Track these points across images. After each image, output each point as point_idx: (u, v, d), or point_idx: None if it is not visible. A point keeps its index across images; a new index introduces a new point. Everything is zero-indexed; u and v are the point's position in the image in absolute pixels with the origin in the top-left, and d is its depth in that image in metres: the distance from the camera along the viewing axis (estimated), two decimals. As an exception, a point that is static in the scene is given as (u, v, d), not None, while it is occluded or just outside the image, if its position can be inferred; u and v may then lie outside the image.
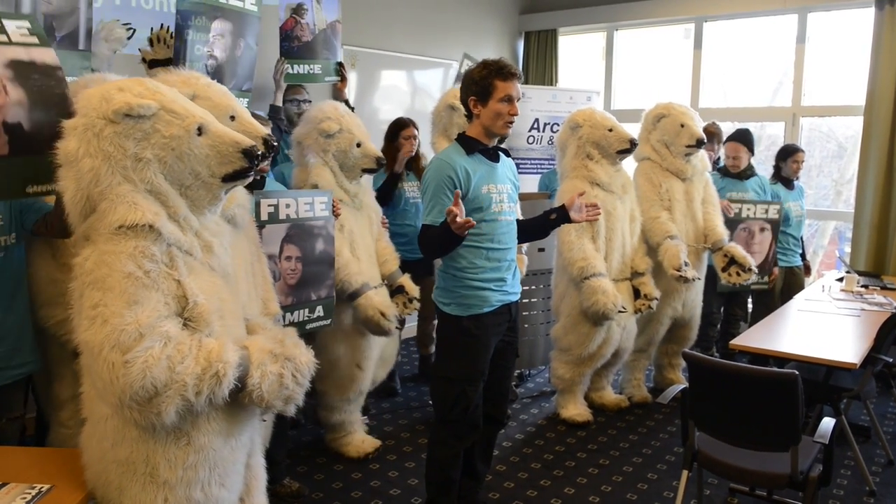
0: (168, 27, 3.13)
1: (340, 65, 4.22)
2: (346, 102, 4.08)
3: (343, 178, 3.37)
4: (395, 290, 3.52)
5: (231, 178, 1.91)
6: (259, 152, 1.93)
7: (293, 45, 4.02)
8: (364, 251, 3.42)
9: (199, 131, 1.85)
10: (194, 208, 1.90)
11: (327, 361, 3.36)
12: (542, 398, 4.56)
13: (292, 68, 4.04)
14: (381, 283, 3.48)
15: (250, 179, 2.00)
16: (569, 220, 2.85)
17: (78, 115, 1.82)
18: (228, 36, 3.31)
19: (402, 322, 3.44)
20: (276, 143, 2.42)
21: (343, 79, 4.26)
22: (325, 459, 3.60)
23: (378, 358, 3.63)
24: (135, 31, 3.13)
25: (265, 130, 2.35)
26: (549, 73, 6.79)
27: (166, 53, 3.11)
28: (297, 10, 4.01)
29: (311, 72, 4.11)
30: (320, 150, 3.32)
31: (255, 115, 2.61)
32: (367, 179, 3.57)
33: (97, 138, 1.76)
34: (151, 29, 3.19)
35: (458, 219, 2.37)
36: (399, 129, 4.19)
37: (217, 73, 3.28)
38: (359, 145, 3.35)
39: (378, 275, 3.51)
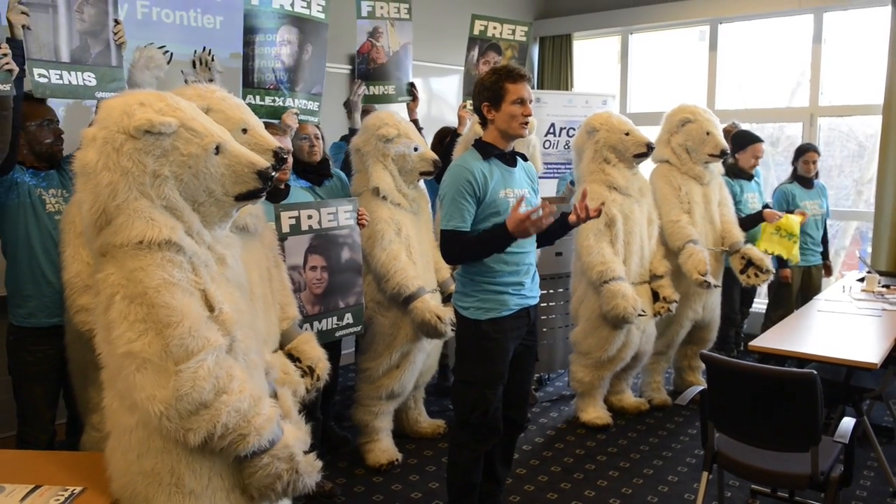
0: (209, 50, 3.21)
1: (412, 85, 4.31)
2: (416, 122, 4.15)
3: (402, 182, 3.46)
4: (447, 298, 3.57)
5: (244, 197, 1.93)
6: (273, 174, 1.96)
7: (369, 67, 4.14)
8: (421, 256, 3.49)
9: (217, 150, 1.87)
10: (205, 223, 1.92)
11: (369, 355, 3.54)
12: (562, 402, 4.57)
13: (368, 90, 4.15)
14: (435, 288, 3.56)
15: (262, 199, 2.03)
16: (567, 222, 2.76)
17: (97, 125, 1.82)
18: (295, 42, 3.43)
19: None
20: (286, 157, 2.47)
21: (415, 98, 4.32)
22: (347, 463, 3.64)
23: (424, 364, 3.72)
24: (172, 53, 3.21)
25: (276, 143, 2.39)
26: (565, 78, 6.81)
27: (207, 76, 3.19)
28: (374, 34, 4.14)
29: (386, 92, 4.22)
30: (380, 155, 3.42)
31: (268, 127, 2.65)
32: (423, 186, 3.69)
33: (116, 153, 1.76)
34: (195, 52, 3.27)
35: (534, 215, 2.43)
36: (444, 136, 4.34)
37: (287, 78, 3.41)
38: (416, 149, 3.46)
39: (434, 280, 3.59)
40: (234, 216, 2.02)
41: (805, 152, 4.83)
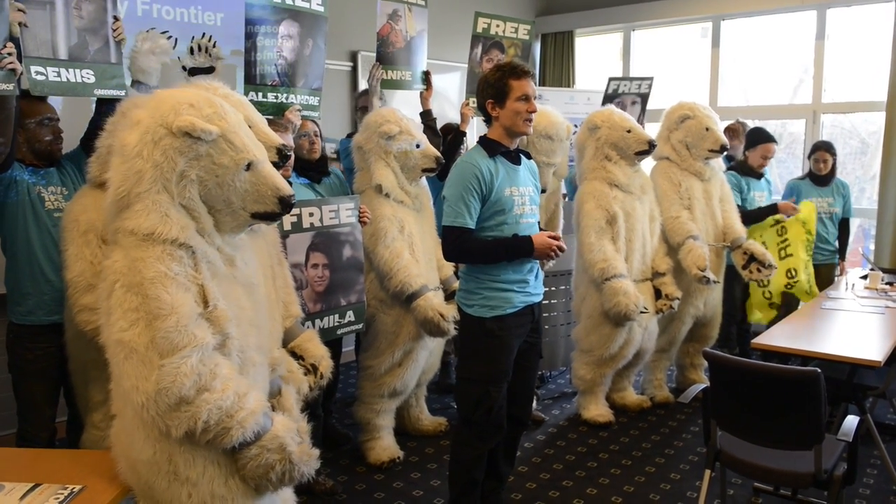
0: (210, 36, 3.19)
1: (427, 73, 4.23)
2: (429, 112, 4.12)
3: (404, 179, 3.45)
4: (450, 295, 3.56)
5: (260, 216, 1.98)
6: (292, 201, 1.99)
7: (388, 50, 4.02)
8: (423, 254, 3.49)
9: (248, 167, 1.92)
10: (217, 229, 1.96)
11: (371, 353, 3.54)
12: (564, 399, 4.56)
13: (385, 74, 4.01)
14: (438, 285, 3.55)
15: (277, 222, 2.09)
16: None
17: (147, 110, 1.87)
18: (296, 37, 3.41)
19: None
20: (290, 154, 2.47)
21: (429, 86, 4.23)
22: (349, 461, 3.64)
23: (427, 362, 3.71)
24: (177, 39, 3.19)
25: (279, 140, 2.41)
26: (567, 75, 6.80)
27: (208, 62, 3.16)
28: (393, 17, 4.04)
29: (403, 78, 4.12)
30: (382, 152, 3.41)
31: (271, 123, 2.64)
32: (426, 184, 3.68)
33: (153, 145, 1.82)
34: (192, 38, 3.25)
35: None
36: (446, 134, 4.31)
37: (287, 73, 3.40)
38: (418, 146, 3.44)
39: (437, 278, 3.58)
40: (245, 229, 2.06)
41: (815, 151, 4.83)
